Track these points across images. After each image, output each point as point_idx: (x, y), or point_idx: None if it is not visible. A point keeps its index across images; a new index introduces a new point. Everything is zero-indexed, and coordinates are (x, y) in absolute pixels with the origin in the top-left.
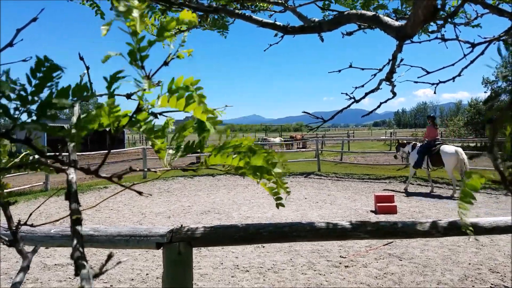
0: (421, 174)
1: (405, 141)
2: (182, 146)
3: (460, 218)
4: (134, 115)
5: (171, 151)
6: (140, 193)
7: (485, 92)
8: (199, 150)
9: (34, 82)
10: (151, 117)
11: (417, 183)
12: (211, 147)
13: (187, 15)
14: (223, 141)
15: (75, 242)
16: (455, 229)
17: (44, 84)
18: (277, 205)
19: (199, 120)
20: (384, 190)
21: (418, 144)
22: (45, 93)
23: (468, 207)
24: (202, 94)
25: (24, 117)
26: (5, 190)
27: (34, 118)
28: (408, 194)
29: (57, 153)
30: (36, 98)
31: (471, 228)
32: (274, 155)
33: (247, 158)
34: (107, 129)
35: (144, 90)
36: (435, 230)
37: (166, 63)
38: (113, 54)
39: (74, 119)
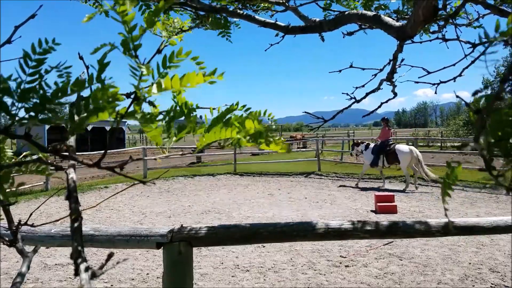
0: (388, 172)
1: (359, 141)
2: (175, 130)
3: (444, 207)
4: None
5: (165, 139)
6: (143, 182)
7: (485, 92)
8: (193, 133)
9: (25, 78)
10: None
11: (400, 181)
12: (204, 127)
13: None
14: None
15: (74, 241)
16: (455, 228)
17: (39, 77)
18: (288, 152)
19: (180, 106)
20: (340, 186)
21: (371, 145)
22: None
23: (451, 194)
24: (195, 57)
25: (22, 113)
26: (17, 188)
27: (33, 114)
28: (361, 189)
29: (57, 144)
30: (31, 94)
31: (452, 221)
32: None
33: (242, 127)
34: (107, 128)
35: (141, 77)
36: (435, 230)
37: (159, 51)
38: (103, 46)
39: (74, 99)
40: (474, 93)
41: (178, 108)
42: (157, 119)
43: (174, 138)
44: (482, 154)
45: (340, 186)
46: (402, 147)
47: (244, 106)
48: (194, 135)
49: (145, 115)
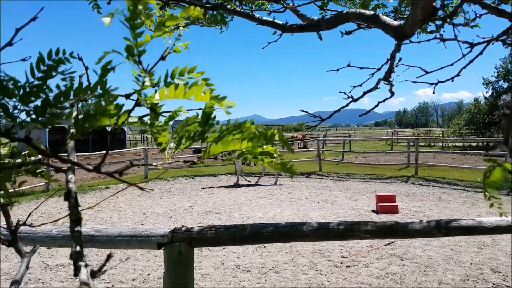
0: (251, 169)
1: None
2: (184, 138)
3: (491, 206)
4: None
5: (172, 145)
6: (142, 188)
7: (486, 92)
8: (201, 141)
9: (33, 80)
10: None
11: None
12: (213, 136)
13: (195, 11)
14: (224, 129)
15: (74, 242)
16: (456, 229)
17: (45, 82)
18: (291, 176)
19: (204, 112)
20: (202, 188)
21: None
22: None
23: (498, 194)
24: (206, 78)
25: (23, 116)
26: (16, 189)
27: (34, 117)
28: (238, 186)
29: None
30: (33, 98)
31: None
32: (275, 136)
33: (249, 143)
34: (108, 129)
35: (143, 84)
36: (437, 230)
37: (163, 58)
38: (108, 52)
39: (74, 113)
40: (498, 96)
41: (199, 118)
42: (167, 124)
43: (181, 147)
44: None
45: (203, 188)
46: None
47: (251, 121)
48: (202, 143)
49: (157, 124)
